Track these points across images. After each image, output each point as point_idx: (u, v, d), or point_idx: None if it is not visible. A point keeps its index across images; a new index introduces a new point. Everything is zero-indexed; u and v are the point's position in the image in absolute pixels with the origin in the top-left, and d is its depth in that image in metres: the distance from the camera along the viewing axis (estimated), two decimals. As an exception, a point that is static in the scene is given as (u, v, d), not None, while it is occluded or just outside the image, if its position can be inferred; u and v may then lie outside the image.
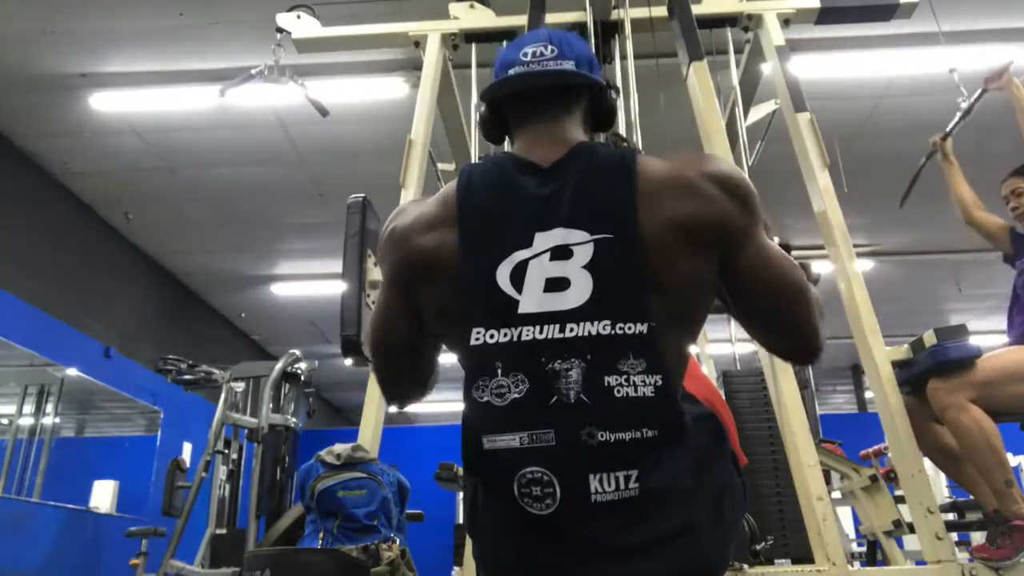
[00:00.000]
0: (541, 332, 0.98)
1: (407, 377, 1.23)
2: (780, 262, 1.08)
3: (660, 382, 0.96)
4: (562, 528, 0.96)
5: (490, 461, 0.98)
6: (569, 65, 1.15)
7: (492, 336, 0.99)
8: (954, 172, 3.09)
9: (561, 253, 1.00)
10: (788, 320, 1.08)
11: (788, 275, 1.07)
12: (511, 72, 1.16)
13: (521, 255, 1.01)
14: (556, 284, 0.99)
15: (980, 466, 2.44)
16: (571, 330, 0.97)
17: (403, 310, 1.13)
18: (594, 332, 0.97)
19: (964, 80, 3.20)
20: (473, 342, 1.00)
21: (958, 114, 3.14)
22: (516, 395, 0.97)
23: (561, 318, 0.98)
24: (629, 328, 0.97)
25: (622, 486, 0.94)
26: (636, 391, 0.95)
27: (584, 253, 1.00)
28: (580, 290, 0.98)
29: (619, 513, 0.95)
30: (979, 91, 3.04)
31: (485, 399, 0.98)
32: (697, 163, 1.07)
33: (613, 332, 0.97)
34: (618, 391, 0.95)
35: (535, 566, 1.00)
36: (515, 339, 0.98)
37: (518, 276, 1.00)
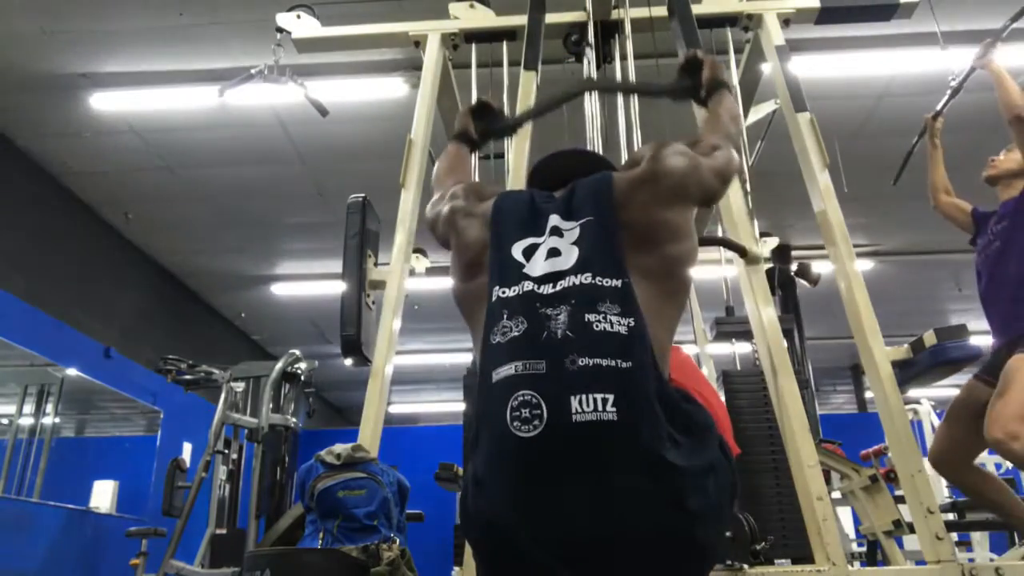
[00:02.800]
0: (539, 288, 1.21)
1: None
2: (715, 165, 1.37)
3: (632, 324, 1.14)
4: (545, 447, 1.07)
5: (493, 390, 1.15)
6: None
7: (504, 292, 1.23)
8: (936, 157, 3.17)
9: (556, 232, 1.27)
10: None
11: (724, 165, 1.39)
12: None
13: (533, 240, 1.28)
14: (553, 253, 1.24)
15: None
16: (561, 284, 1.20)
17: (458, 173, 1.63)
18: (578, 282, 1.19)
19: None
20: (493, 299, 1.23)
21: (948, 92, 3.21)
22: (516, 333, 1.17)
23: (555, 277, 1.21)
24: (607, 281, 1.18)
25: (599, 407, 1.07)
26: (612, 327, 1.14)
27: (572, 234, 1.26)
28: (569, 257, 1.23)
29: (598, 435, 1.06)
30: (968, 69, 3.10)
31: (495, 340, 1.19)
32: (649, 149, 1.35)
33: (593, 283, 1.18)
34: (596, 325, 1.14)
35: (518, 498, 1.09)
36: (520, 292, 1.22)
37: (529, 252, 1.27)
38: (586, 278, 1.18)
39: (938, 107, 3.21)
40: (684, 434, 1.09)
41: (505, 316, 1.19)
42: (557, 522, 1.06)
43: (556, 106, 1.94)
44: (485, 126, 1.83)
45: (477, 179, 1.61)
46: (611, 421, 1.05)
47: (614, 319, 1.13)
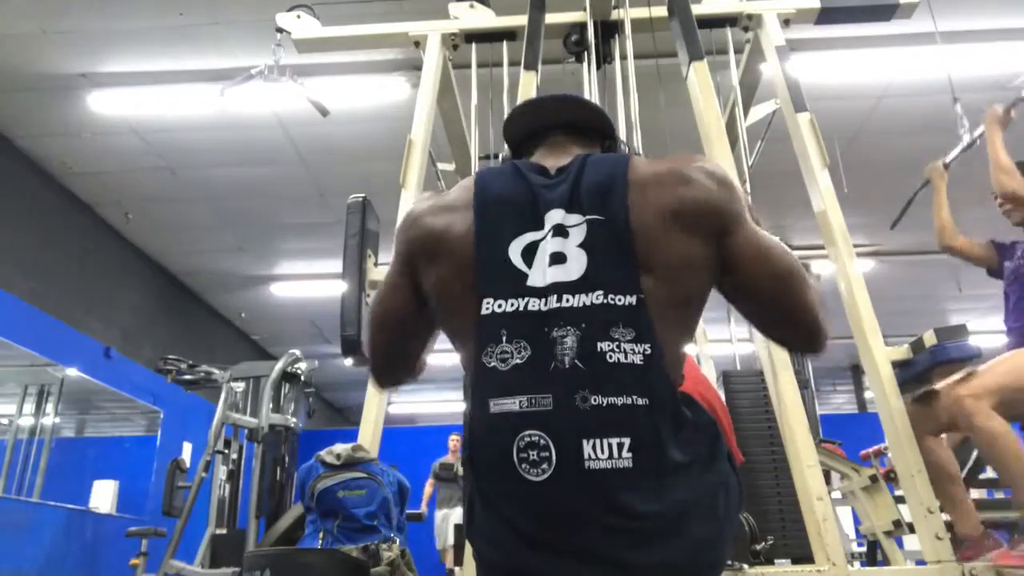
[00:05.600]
0: (545, 304, 1.05)
1: (399, 353, 1.30)
2: (772, 245, 1.13)
3: (649, 351, 1.02)
4: (555, 495, 0.98)
5: (493, 424, 1.03)
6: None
7: (500, 306, 1.07)
8: (942, 200, 3.10)
9: (560, 231, 1.09)
10: (786, 304, 1.13)
11: (781, 257, 1.13)
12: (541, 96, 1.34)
13: (532, 236, 1.10)
14: (557, 258, 1.08)
15: (1010, 473, 2.41)
16: (567, 300, 1.05)
17: (406, 284, 1.21)
18: (588, 302, 1.04)
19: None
20: (483, 312, 1.07)
21: (959, 146, 3.13)
22: (518, 360, 1.04)
23: (560, 289, 1.05)
24: (620, 300, 1.04)
25: (615, 454, 0.98)
26: (626, 358, 1.01)
27: (578, 233, 1.09)
28: (577, 265, 1.06)
29: (612, 484, 0.97)
30: (982, 128, 2.97)
31: (492, 364, 1.05)
32: (685, 158, 1.16)
33: (605, 302, 1.04)
34: (610, 356, 1.01)
35: (528, 540, 1.00)
36: (521, 309, 1.06)
37: (529, 254, 1.09)
38: (597, 297, 1.04)
39: (947, 159, 3.15)
40: (695, 453, 1.03)
41: (504, 338, 1.05)
42: (566, 567, 1.00)
43: None
44: None
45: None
46: (626, 468, 0.97)
47: (628, 347, 1.01)
